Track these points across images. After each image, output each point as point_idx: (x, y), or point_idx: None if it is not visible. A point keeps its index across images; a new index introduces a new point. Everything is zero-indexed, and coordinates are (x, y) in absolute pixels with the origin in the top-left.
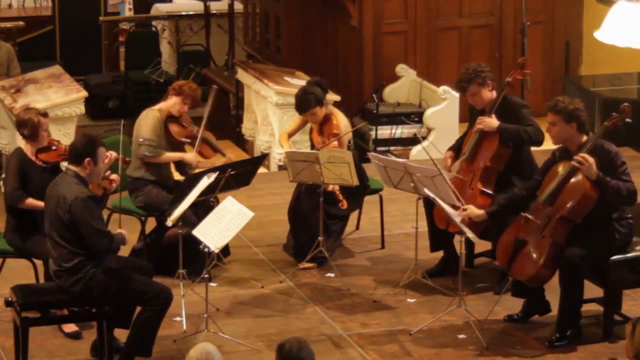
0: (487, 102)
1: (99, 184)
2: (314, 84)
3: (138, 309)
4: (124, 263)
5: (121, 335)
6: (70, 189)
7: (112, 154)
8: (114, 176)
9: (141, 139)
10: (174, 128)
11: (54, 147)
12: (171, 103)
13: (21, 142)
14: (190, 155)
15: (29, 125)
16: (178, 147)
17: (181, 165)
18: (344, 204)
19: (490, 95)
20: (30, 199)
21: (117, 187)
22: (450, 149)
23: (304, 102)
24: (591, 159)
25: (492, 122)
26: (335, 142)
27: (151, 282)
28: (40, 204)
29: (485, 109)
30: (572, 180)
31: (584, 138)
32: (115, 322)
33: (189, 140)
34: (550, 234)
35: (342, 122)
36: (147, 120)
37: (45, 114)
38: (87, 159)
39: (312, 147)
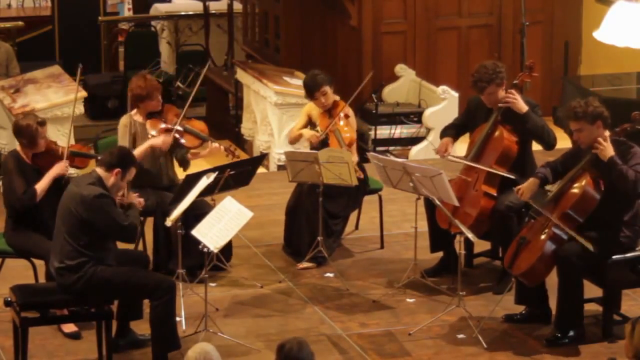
0: (499, 101)
1: (120, 199)
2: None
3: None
4: (119, 256)
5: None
6: (88, 188)
7: None
8: (141, 200)
9: None
10: (149, 123)
11: (50, 153)
12: (142, 107)
13: (18, 145)
14: (156, 140)
15: (27, 135)
16: None
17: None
18: (361, 174)
19: (502, 95)
20: (37, 186)
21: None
22: (447, 134)
23: (315, 81)
24: (608, 143)
25: (522, 104)
26: (352, 118)
27: (150, 273)
28: (47, 180)
29: (493, 108)
30: (576, 181)
31: (608, 133)
32: (128, 317)
33: (169, 131)
34: (549, 231)
35: (350, 111)
36: (118, 128)
37: (43, 122)
38: (118, 170)
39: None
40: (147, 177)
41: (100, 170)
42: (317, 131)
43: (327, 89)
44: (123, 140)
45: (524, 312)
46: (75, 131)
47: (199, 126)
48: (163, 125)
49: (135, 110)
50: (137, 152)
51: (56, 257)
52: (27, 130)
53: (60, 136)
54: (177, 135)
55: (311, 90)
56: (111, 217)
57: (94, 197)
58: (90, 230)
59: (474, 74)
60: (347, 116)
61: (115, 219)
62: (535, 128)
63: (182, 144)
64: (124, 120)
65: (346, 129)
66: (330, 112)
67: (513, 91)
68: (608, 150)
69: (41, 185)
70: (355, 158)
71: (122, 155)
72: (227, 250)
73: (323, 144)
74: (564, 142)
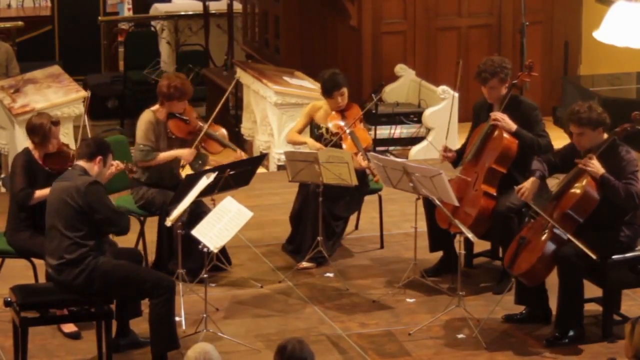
0: (499, 98)
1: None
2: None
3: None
4: (116, 252)
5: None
6: (80, 179)
7: (118, 164)
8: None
9: (136, 145)
10: (172, 124)
11: (62, 155)
12: (168, 106)
13: (30, 144)
14: (184, 152)
15: (40, 134)
16: (182, 144)
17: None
18: (378, 178)
19: (503, 92)
20: (37, 191)
21: None
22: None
23: (337, 80)
24: (595, 161)
25: (510, 124)
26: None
27: (150, 271)
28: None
29: (493, 104)
30: (577, 181)
31: (605, 136)
32: (125, 315)
33: (192, 137)
34: (550, 232)
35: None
36: (140, 123)
37: (57, 122)
38: (99, 157)
39: (320, 137)
40: (153, 176)
41: (82, 163)
42: (323, 132)
43: (345, 90)
44: (146, 137)
45: (524, 312)
46: (75, 131)
47: (221, 133)
48: (187, 129)
49: (157, 107)
50: (163, 156)
51: (53, 255)
52: (40, 128)
53: (61, 136)
54: (204, 145)
55: (330, 89)
56: (105, 204)
57: (89, 184)
58: (87, 219)
59: (480, 65)
60: (361, 120)
61: (109, 205)
62: (524, 145)
63: (206, 151)
64: (147, 116)
65: (366, 133)
66: (343, 113)
67: (502, 114)
68: (597, 169)
69: (42, 192)
70: (365, 162)
71: (98, 143)
72: (223, 255)
73: (336, 146)
74: (564, 141)
